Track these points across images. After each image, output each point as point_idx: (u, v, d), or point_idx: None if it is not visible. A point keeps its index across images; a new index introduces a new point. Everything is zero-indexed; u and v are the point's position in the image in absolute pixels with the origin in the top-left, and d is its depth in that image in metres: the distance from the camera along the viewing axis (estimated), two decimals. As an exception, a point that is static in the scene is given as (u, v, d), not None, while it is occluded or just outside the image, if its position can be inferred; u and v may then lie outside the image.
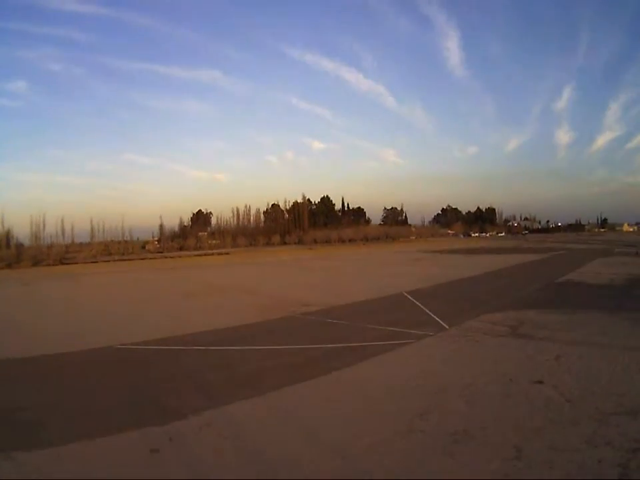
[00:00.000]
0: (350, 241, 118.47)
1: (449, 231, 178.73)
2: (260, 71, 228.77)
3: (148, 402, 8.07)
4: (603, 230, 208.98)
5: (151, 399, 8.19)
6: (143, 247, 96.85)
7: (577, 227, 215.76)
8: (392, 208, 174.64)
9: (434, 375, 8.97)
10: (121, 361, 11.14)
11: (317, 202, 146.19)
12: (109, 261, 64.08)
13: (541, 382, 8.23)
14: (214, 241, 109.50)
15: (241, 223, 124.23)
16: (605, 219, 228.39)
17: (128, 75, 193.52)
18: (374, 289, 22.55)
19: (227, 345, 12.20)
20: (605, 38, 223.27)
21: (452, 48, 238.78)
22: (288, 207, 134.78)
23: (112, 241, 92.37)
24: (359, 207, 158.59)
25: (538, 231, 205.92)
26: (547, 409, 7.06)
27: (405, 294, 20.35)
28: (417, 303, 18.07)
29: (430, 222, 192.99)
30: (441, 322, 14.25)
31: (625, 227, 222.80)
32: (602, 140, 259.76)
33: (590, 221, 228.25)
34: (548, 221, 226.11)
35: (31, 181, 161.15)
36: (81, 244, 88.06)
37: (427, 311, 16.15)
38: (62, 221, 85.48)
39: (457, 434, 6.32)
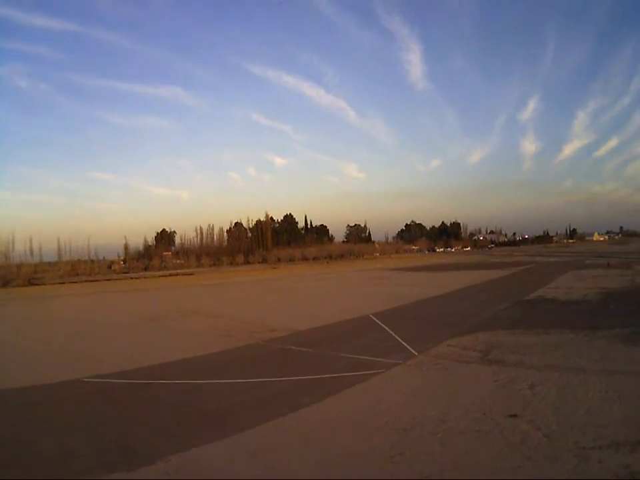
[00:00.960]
0: (314, 259, 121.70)
1: (414, 247, 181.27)
2: (221, 87, 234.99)
3: (115, 445, 7.73)
4: (572, 241, 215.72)
5: (117, 442, 7.85)
6: (109, 267, 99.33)
7: (544, 238, 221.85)
8: (355, 225, 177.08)
9: (405, 410, 8.74)
10: (84, 396, 10.71)
11: (279, 220, 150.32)
12: (76, 282, 64.36)
13: (515, 415, 8.06)
14: (178, 261, 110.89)
15: (204, 242, 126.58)
16: (574, 230, 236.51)
17: (93, 92, 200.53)
18: (340, 312, 22.53)
19: (191, 377, 11.87)
20: (571, 47, 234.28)
21: (414, 61, 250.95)
22: (251, 226, 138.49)
23: (79, 260, 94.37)
24: (322, 225, 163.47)
25: (504, 244, 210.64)
26: (523, 446, 6.88)
27: (372, 316, 20.36)
28: (384, 326, 17.99)
29: (394, 237, 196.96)
30: (409, 348, 14.13)
31: (596, 237, 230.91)
32: (569, 149, 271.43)
33: (558, 232, 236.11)
34: (514, 234, 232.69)
35: None
36: (49, 263, 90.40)
37: (395, 335, 16.06)
38: (30, 240, 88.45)
39: (432, 477, 6.07)
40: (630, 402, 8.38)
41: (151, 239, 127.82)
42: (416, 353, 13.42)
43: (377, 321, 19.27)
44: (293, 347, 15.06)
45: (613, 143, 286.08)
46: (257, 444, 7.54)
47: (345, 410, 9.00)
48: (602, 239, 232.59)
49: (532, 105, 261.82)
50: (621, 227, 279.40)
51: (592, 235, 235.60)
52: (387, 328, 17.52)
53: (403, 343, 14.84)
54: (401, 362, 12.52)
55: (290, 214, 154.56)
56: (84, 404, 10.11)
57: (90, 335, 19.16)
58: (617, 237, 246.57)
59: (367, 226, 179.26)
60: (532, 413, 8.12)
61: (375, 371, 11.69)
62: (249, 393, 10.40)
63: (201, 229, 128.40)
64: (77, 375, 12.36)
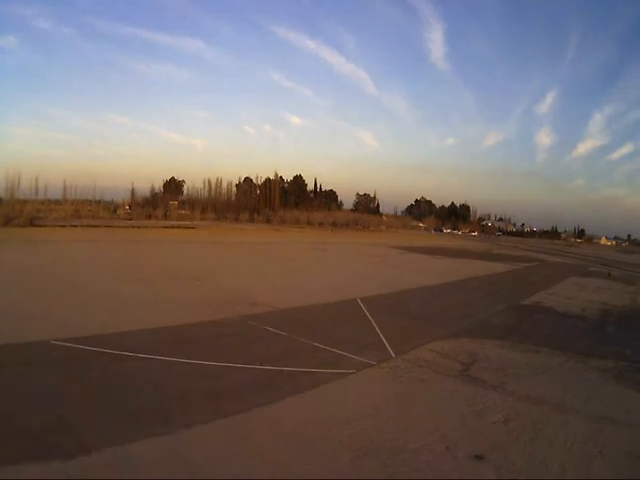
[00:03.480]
0: (319, 224, 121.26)
1: (421, 224, 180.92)
2: (243, 44, 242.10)
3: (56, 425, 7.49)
4: (579, 241, 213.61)
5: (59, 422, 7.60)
6: (114, 211, 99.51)
7: (552, 234, 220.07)
8: (365, 194, 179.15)
9: (364, 428, 8.17)
10: (45, 362, 10.36)
11: (289, 180, 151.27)
12: (76, 226, 64.21)
13: (481, 457, 7.42)
14: (183, 211, 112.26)
15: (212, 195, 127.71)
16: (582, 230, 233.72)
17: (116, 38, 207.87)
18: (328, 292, 22.24)
19: (153, 352, 11.46)
20: (594, 48, 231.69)
21: (436, 40, 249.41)
22: (260, 183, 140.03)
23: (84, 201, 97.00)
24: (332, 190, 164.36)
25: (512, 233, 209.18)
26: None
27: (359, 302, 20.07)
28: (369, 315, 17.62)
29: (403, 212, 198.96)
30: (388, 346, 13.65)
31: (603, 240, 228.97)
32: (583, 147, 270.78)
33: (566, 230, 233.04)
34: (523, 225, 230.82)
35: (15, 134, 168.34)
36: (56, 201, 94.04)
37: (377, 329, 15.63)
38: (36, 178, 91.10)
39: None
40: (612, 461, 7.66)
41: (159, 187, 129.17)
42: (393, 355, 12.93)
43: (364, 308, 18.92)
44: (269, 328, 14.66)
45: (627, 148, 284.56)
46: (195, 445, 7.18)
47: (299, 417, 8.50)
48: (609, 243, 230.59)
49: (550, 98, 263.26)
50: (629, 235, 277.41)
51: (599, 238, 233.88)
52: (370, 318, 17.13)
53: (383, 339, 14.39)
54: (375, 363, 12.06)
55: (300, 175, 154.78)
56: (40, 371, 9.83)
57: (73, 293, 18.48)
58: (624, 244, 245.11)
59: (377, 197, 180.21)
60: (500, 457, 7.47)
61: (346, 371, 11.26)
62: (207, 380, 10.00)
63: (209, 181, 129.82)
64: (46, 337, 11.95)
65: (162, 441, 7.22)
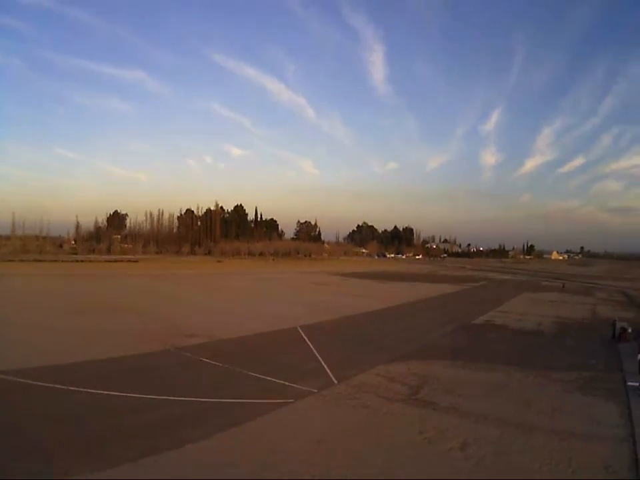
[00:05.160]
0: (260, 254, 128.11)
1: (363, 250, 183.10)
2: (184, 74, 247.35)
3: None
4: (528, 257, 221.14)
5: None
6: (60, 246, 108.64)
7: (500, 252, 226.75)
8: (306, 222, 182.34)
9: (299, 471, 7.34)
10: None
11: (230, 210, 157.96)
12: (23, 261, 67.76)
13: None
14: (126, 245, 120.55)
15: (154, 227, 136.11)
16: (532, 246, 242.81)
17: (61, 69, 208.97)
18: (268, 320, 22.34)
19: (82, 385, 11.21)
20: (542, 62, 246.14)
21: (377, 62, 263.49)
22: (201, 214, 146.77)
23: (32, 236, 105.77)
24: (272, 219, 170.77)
25: (458, 254, 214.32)
26: None
27: (300, 329, 19.93)
28: (310, 343, 17.37)
29: (345, 238, 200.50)
30: (330, 373, 13.23)
31: (554, 255, 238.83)
32: (531, 164, 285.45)
33: (515, 247, 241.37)
34: (469, 245, 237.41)
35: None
36: (5, 237, 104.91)
37: (318, 356, 15.32)
38: None
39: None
40: (587, 481, 7.17)
41: (103, 220, 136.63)
42: (336, 381, 12.46)
43: (304, 336, 18.72)
44: (206, 359, 14.49)
45: (578, 161, 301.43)
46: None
47: (230, 456, 7.89)
48: (561, 257, 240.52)
49: (495, 116, 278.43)
50: (582, 247, 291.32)
51: (550, 252, 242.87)
52: (312, 346, 16.87)
53: (325, 366, 14.00)
54: (316, 391, 11.57)
55: (240, 204, 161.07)
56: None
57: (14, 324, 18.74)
58: (577, 257, 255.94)
59: (318, 224, 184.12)
60: (460, 490, 6.80)
61: (285, 400, 10.79)
62: (138, 413, 9.69)
63: (151, 214, 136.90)
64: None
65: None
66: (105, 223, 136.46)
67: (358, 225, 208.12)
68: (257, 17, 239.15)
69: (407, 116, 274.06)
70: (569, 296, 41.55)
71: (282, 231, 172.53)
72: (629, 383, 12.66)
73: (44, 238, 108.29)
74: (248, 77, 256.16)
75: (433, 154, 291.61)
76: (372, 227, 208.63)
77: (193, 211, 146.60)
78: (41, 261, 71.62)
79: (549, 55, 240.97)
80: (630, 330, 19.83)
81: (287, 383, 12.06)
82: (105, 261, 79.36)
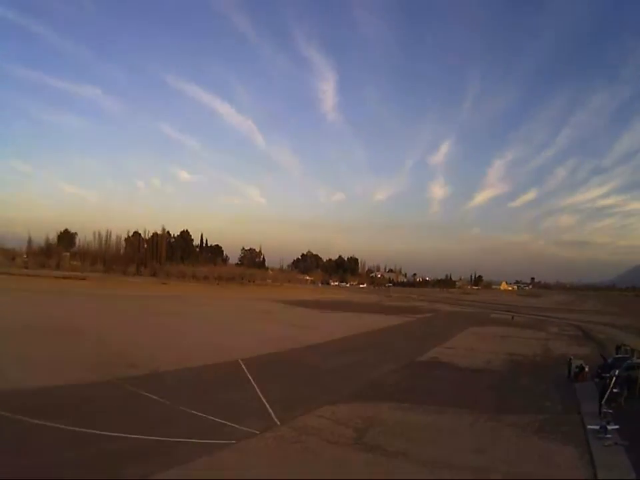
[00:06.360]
0: (204, 278, 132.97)
1: (307, 278, 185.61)
2: (137, 93, 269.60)
3: None
4: (476, 288, 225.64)
5: None
6: (13, 259, 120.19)
7: (446, 282, 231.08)
8: (250, 249, 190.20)
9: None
10: None
11: (176, 235, 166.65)
12: None
13: None
14: (75, 262, 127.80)
15: (102, 248, 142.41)
16: (480, 276, 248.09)
17: (18, 82, 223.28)
18: (210, 352, 22.36)
19: (20, 412, 11.32)
20: (494, 94, 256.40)
21: (327, 91, 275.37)
22: (148, 237, 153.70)
23: None
24: (217, 245, 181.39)
25: (403, 284, 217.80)
26: None
27: (241, 363, 19.96)
28: (251, 378, 17.42)
29: (289, 266, 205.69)
30: (272, 413, 13.25)
31: (503, 286, 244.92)
32: (481, 197, 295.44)
33: (462, 277, 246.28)
34: (415, 274, 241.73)
35: None
36: None
37: (260, 393, 15.33)
38: None
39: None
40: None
41: (53, 237, 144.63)
42: (278, 422, 12.49)
43: (246, 370, 18.79)
44: (146, 394, 14.41)
45: (531, 195, 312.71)
46: None
47: None
48: (510, 288, 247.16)
49: (445, 148, 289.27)
50: (533, 278, 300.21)
51: (499, 283, 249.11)
52: (253, 382, 16.89)
53: (267, 405, 14.04)
54: (257, 432, 11.56)
55: (186, 230, 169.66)
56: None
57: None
58: (527, 288, 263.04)
59: (262, 251, 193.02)
60: None
61: (225, 441, 10.74)
62: (73, 449, 9.52)
63: (99, 234, 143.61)
64: None
65: None
66: (56, 239, 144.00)
67: (302, 254, 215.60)
68: (211, 40, 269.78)
69: (356, 146, 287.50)
70: (520, 330, 42.64)
71: (227, 257, 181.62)
72: (589, 427, 12.85)
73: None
74: (199, 99, 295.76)
75: (380, 185, 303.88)
76: (317, 255, 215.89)
77: (140, 234, 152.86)
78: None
79: (502, 88, 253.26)
80: (587, 369, 20.06)
81: (228, 423, 12.04)
82: (55, 277, 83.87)
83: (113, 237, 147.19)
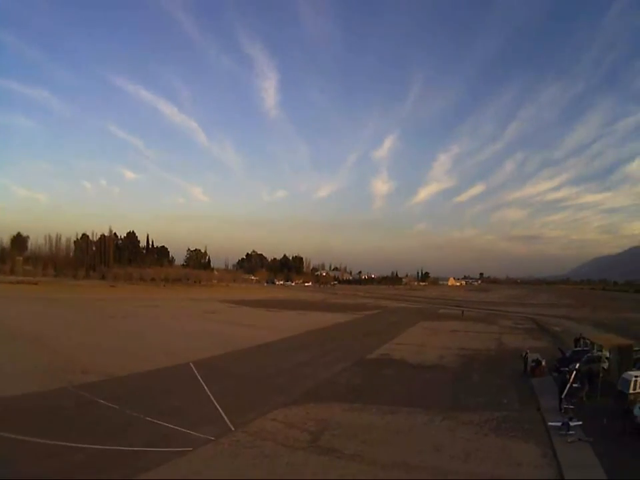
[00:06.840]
0: (151, 280, 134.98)
1: (253, 277, 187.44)
2: (84, 94, 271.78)
3: None
4: (423, 284, 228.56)
5: None
6: None
7: (393, 279, 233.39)
8: (195, 249, 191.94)
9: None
10: None
11: (123, 237, 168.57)
12: None
13: None
14: (28, 267, 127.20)
15: (52, 251, 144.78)
16: (427, 273, 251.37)
17: None
18: (161, 355, 22.30)
19: None
20: (440, 89, 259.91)
21: (270, 89, 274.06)
22: (96, 239, 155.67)
23: None
24: (163, 246, 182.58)
25: (349, 282, 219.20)
26: None
27: (192, 366, 19.95)
28: (203, 383, 17.31)
29: (234, 266, 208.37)
30: (226, 418, 13.18)
31: (451, 281, 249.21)
32: (426, 192, 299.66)
33: (409, 274, 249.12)
34: (360, 272, 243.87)
35: None
36: None
37: (212, 397, 15.26)
38: None
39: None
40: None
41: (7, 241, 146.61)
42: (233, 428, 12.42)
43: (197, 373, 18.78)
44: (101, 401, 14.33)
45: (478, 189, 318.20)
46: None
47: None
48: (458, 284, 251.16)
49: (389, 143, 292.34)
50: (481, 273, 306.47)
51: (447, 279, 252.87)
52: (205, 386, 16.80)
53: (220, 410, 13.95)
54: (213, 438, 11.51)
55: (133, 232, 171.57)
56: None
57: None
58: (476, 283, 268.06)
59: (207, 252, 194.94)
60: None
61: (182, 449, 10.69)
62: (27, 465, 9.43)
63: (50, 237, 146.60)
64: None
65: None
66: (9, 243, 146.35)
67: (247, 253, 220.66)
68: (154, 39, 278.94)
69: (298, 143, 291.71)
70: (471, 324, 43.34)
71: (173, 258, 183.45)
72: (550, 423, 12.97)
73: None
74: (143, 99, 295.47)
75: (323, 182, 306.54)
76: (261, 255, 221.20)
77: (88, 236, 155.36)
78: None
79: (449, 80, 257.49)
80: (544, 363, 20.25)
81: (183, 430, 11.95)
82: (9, 282, 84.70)
83: (63, 240, 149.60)
